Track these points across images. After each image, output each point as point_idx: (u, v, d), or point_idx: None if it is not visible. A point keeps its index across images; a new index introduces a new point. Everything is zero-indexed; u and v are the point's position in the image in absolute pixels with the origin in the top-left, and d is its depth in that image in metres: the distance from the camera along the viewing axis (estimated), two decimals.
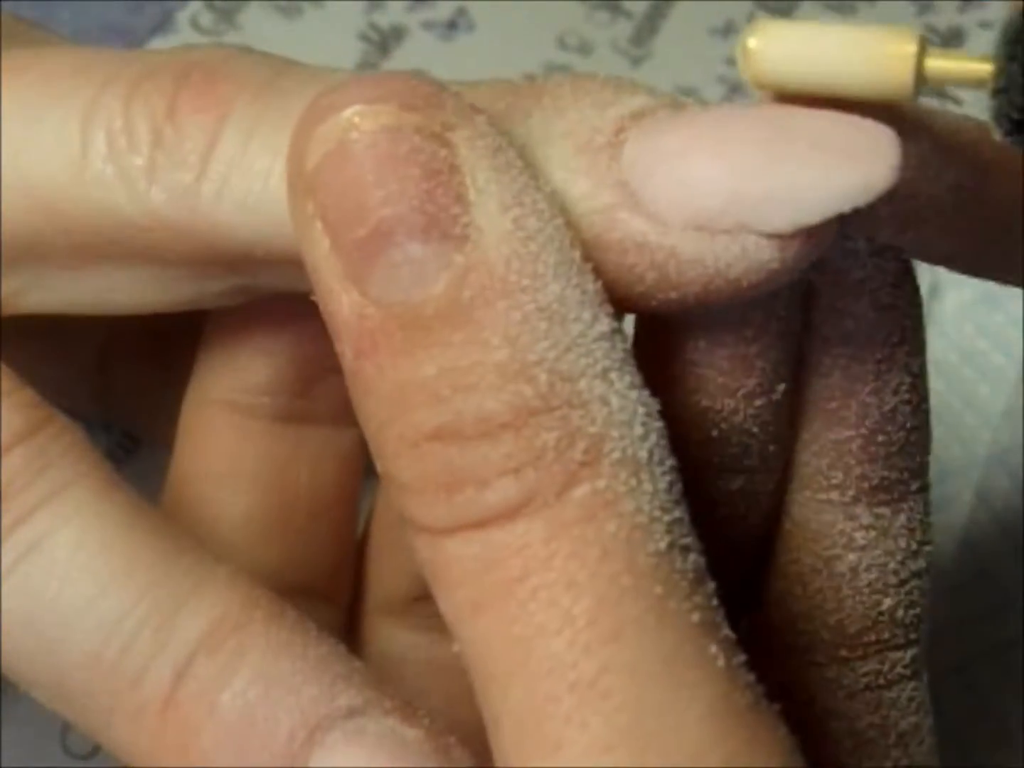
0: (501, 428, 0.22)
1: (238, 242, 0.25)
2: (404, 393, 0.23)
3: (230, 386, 0.31)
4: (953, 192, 0.26)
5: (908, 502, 0.29)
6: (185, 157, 0.25)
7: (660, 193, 0.24)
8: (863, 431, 0.28)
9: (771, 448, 0.28)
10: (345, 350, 0.23)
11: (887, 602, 0.29)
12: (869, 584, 0.29)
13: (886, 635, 0.29)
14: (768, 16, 0.56)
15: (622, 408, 0.23)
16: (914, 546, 0.29)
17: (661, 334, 0.27)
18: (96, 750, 0.38)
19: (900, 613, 0.29)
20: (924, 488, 0.29)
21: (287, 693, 0.24)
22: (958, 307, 0.46)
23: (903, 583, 0.29)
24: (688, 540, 0.23)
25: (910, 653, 0.29)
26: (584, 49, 0.54)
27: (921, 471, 0.29)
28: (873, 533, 0.29)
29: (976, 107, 0.25)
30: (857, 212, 0.23)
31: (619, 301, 0.24)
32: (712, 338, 0.26)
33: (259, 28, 0.54)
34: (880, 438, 0.28)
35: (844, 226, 0.24)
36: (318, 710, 0.24)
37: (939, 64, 0.23)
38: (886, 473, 0.28)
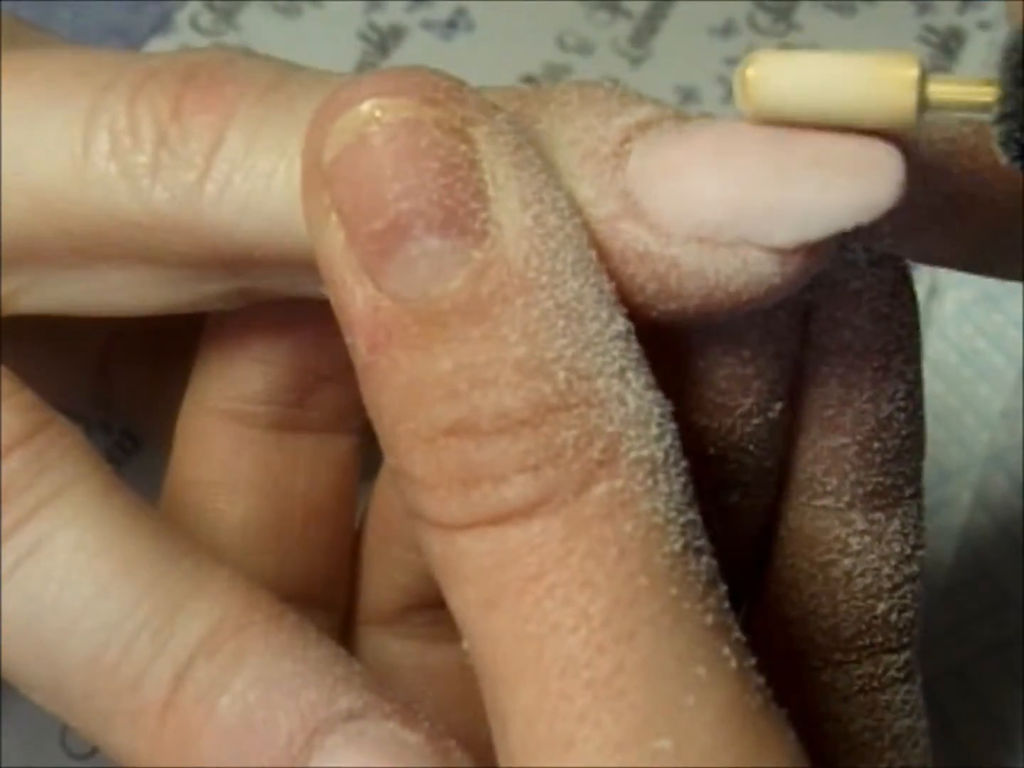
0: (520, 424, 0.22)
1: (238, 242, 0.25)
2: (419, 387, 0.23)
3: (227, 395, 0.31)
4: (952, 199, 0.26)
5: (902, 507, 0.29)
6: (190, 156, 0.25)
7: (663, 204, 0.24)
8: (859, 438, 0.28)
9: (767, 464, 0.28)
10: (357, 343, 0.23)
11: (881, 606, 0.29)
12: (864, 589, 0.29)
13: (880, 639, 0.29)
14: (767, 16, 0.56)
15: (639, 408, 0.23)
16: (908, 551, 0.29)
17: (659, 353, 0.27)
18: (95, 750, 0.38)
19: (894, 617, 0.29)
20: (918, 493, 0.29)
21: (287, 696, 0.24)
22: (957, 307, 0.46)
23: (897, 587, 0.29)
24: (701, 542, 0.23)
25: (903, 656, 0.30)
26: (584, 49, 0.54)
27: (915, 476, 0.29)
28: (868, 538, 0.29)
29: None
30: (858, 227, 0.23)
31: None
32: (709, 358, 0.26)
33: (259, 28, 0.54)
34: (875, 445, 0.28)
35: (844, 238, 0.24)
36: (318, 713, 0.24)
37: (941, 88, 0.23)
38: (881, 479, 0.29)
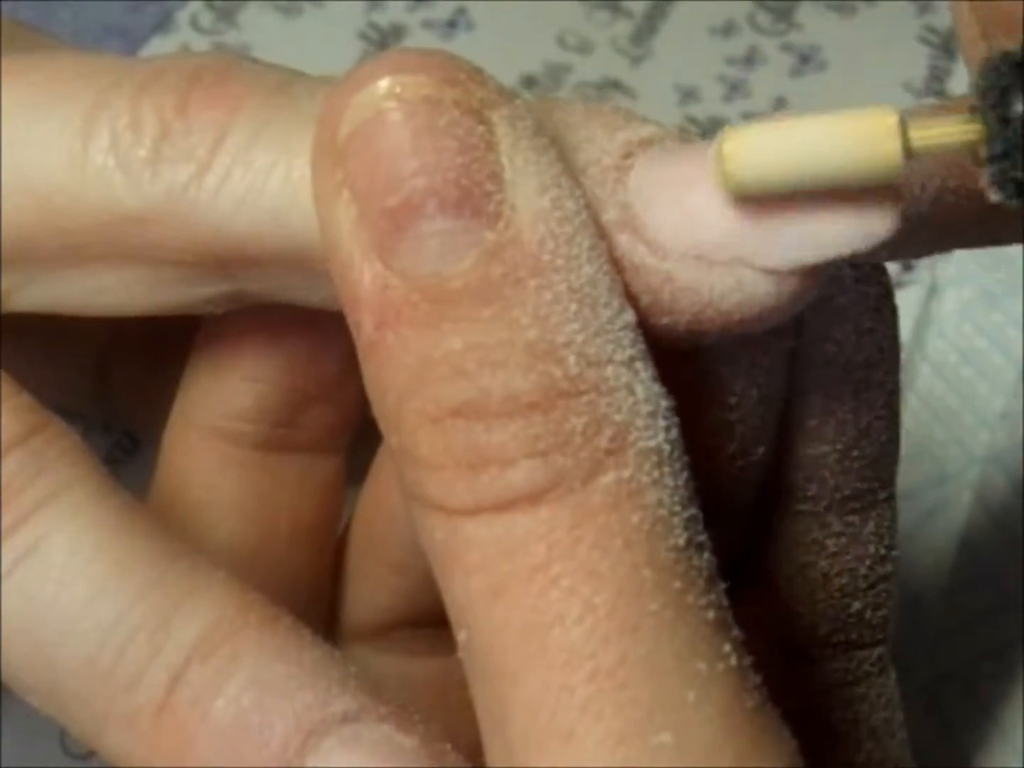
0: (529, 408, 0.22)
1: (233, 236, 0.25)
2: (427, 366, 0.22)
3: (214, 412, 0.31)
4: (940, 198, 0.26)
5: (877, 510, 0.30)
6: (192, 149, 0.25)
7: (661, 220, 0.24)
8: (839, 446, 0.29)
9: (750, 498, 0.29)
10: (363, 321, 0.23)
11: (856, 604, 0.30)
12: (840, 588, 0.30)
13: (855, 635, 0.30)
14: (768, 16, 0.56)
15: (647, 399, 0.23)
16: (882, 551, 0.30)
17: None
18: (94, 751, 0.38)
19: (868, 614, 0.30)
20: (892, 496, 0.30)
21: (282, 698, 0.24)
22: (957, 306, 0.46)
23: (872, 587, 0.30)
24: (703, 538, 0.23)
25: (877, 651, 0.30)
26: (584, 48, 0.54)
27: (890, 480, 0.30)
28: (844, 540, 0.30)
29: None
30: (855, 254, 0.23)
31: None
32: (694, 405, 0.26)
33: (259, 28, 0.54)
34: (855, 452, 0.29)
35: (840, 260, 0.24)
36: (313, 716, 0.24)
37: (923, 134, 0.22)
38: (858, 484, 0.29)
